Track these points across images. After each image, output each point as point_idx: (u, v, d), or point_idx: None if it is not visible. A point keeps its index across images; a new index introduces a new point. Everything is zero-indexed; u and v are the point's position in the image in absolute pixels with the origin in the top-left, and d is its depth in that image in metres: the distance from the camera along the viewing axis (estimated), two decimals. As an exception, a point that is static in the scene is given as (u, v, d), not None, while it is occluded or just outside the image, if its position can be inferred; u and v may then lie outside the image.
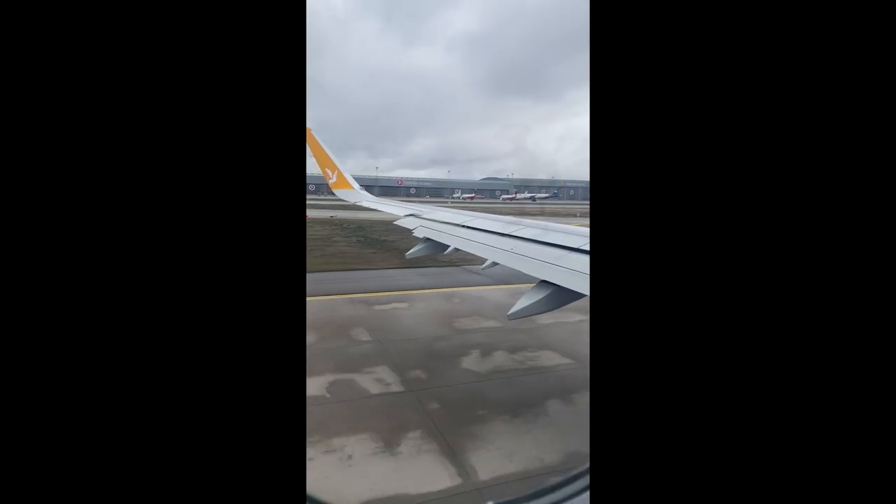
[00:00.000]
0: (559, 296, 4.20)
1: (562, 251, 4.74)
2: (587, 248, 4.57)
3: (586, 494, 0.93)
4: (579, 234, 4.81)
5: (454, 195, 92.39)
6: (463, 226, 6.85)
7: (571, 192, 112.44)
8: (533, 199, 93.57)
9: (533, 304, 4.28)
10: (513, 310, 4.15)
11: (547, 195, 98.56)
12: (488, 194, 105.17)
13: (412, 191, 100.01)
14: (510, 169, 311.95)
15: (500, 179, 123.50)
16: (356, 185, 10.98)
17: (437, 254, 7.07)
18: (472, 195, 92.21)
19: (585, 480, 0.97)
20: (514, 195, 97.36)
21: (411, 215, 8.44)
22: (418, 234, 7.56)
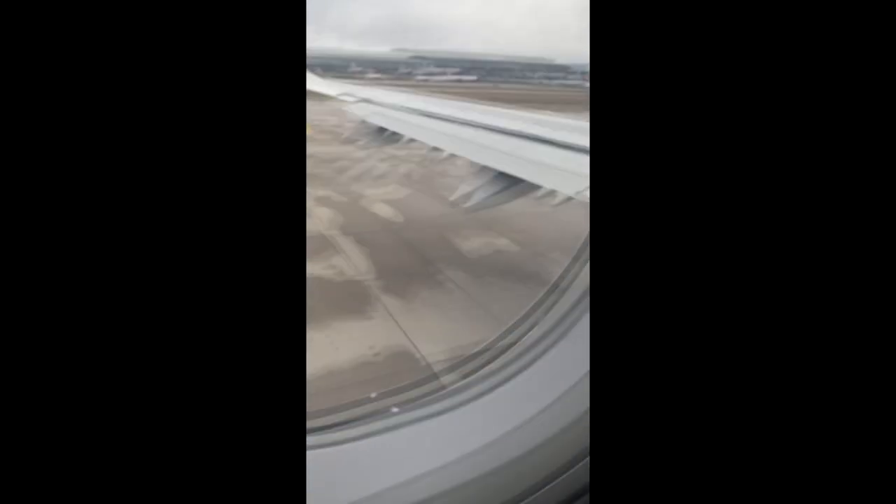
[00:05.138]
0: (512, 185, 4.41)
1: (521, 141, 4.80)
2: (551, 137, 4.67)
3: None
4: (535, 121, 4.95)
5: (349, 71, 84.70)
6: (422, 113, 6.75)
7: (505, 73, 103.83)
8: (460, 81, 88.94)
9: (490, 195, 4.46)
10: (469, 202, 4.35)
11: (475, 78, 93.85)
12: (393, 69, 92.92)
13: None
14: (472, 46, 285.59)
15: (408, 51, 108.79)
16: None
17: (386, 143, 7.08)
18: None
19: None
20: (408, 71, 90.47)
21: (364, 101, 8.11)
22: (372, 121, 7.42)
